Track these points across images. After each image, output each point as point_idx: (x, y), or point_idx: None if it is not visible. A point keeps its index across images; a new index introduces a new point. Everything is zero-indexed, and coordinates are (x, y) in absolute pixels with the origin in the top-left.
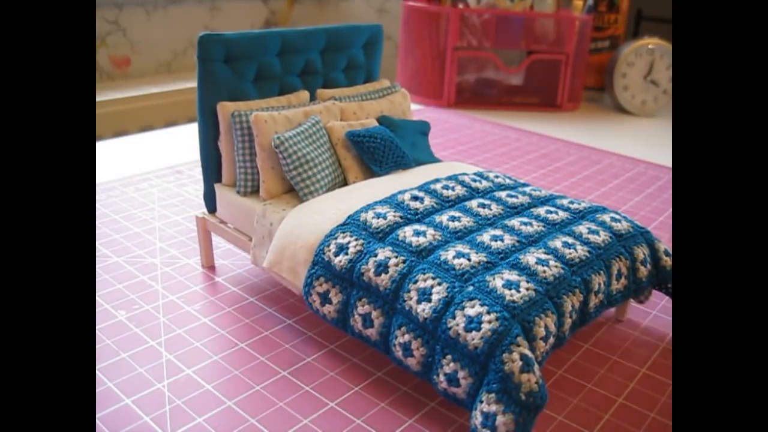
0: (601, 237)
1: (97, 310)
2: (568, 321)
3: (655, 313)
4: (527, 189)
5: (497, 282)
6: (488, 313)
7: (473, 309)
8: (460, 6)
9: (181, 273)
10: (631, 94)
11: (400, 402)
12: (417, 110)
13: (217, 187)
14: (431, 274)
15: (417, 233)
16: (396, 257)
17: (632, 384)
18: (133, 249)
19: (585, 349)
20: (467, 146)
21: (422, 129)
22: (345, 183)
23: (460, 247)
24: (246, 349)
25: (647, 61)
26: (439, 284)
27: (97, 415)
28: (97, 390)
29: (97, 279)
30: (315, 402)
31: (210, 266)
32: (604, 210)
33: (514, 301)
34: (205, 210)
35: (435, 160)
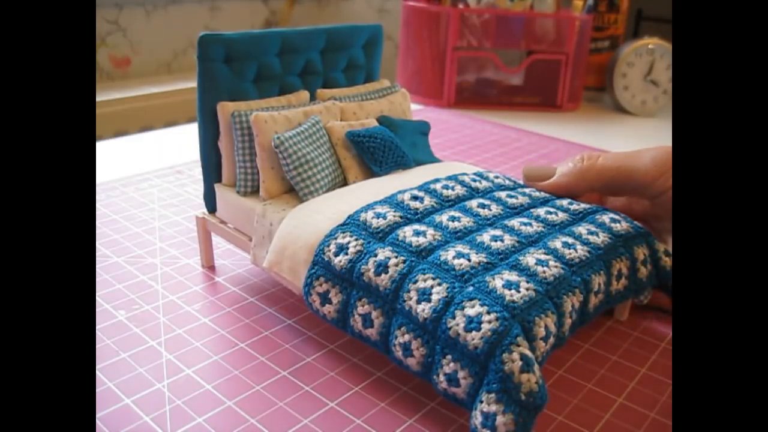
0: (601, 238)
1: (97, 310)
2: (568, 321)
3: (656, 313)
4: (527, 189)
5: (497, 282)
6: (488, 313)
7: (473, 309)
8: (460, 6)
9: (181, 273)
10: (631, 94)
11: (400, 402)
12: (417, 110)
13: (217, 187)
14: (431, 275)
15: (417, 233)
16: (396, 257)
17: (632, 384)
18: (133, 249)
19: (585, 349)
20: (467, 146)
21: (422, 129)
22: (345, 183)
23: (460, 248)
24: (246, 349)
25: (647, 61)
26: (439, 284)
27: (97, 415)
28: (97, 390)
29: (97, 279)
30: (315, 402)
31: (210, 266)
32: (603, 210)
33: (514, 301)
34: (205, 210)
35: (435, 160)
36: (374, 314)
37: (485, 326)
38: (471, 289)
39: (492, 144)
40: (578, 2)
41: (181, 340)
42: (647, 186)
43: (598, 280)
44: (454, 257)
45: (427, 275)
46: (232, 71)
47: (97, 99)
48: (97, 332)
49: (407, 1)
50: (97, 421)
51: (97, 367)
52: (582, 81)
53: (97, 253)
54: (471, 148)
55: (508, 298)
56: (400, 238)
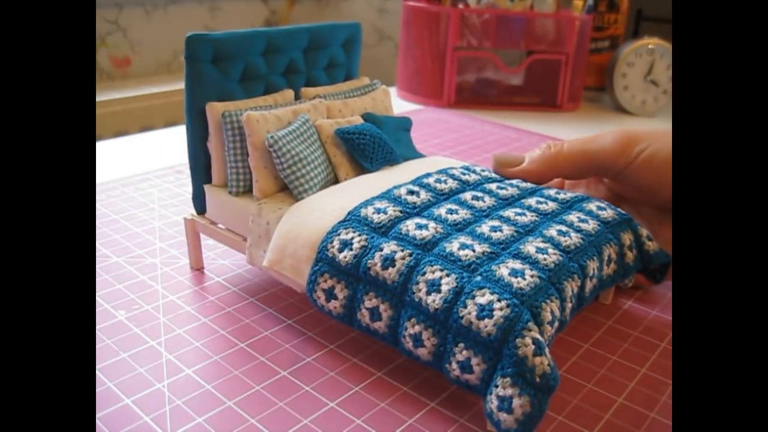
0: (591, 225)
1: (97, 310)
2: (569, 305)
3: (655, 313)
4: (514, 181)
5: (503, 271)
6: (499, 300)
7: (484, 297)
8: (460, 6)
9: (181, 273)
10: (631, 94)
11: (400, 402)
12: (417, 110)
13: (207, 188)
14: (439, 266)
15: (419, 227)
16: (402, 251)
17: (632, 384)
18: (133, 249)
19: (585, 349)
20: (467, 146)
21: (405, 125)
22: (336, 180)
23: (463, 239)
24: (246, 349)
25: (647, 61)
26: (448, 275)
27: (97, 415)
28: (97, 390)
29: (97, 279)
30: (315, 402)
31: (199, 268)
32: (588, 199)
33: (521, 288)
34: (193, 212)
35: (419, 155)
36: (382, 307)
37: (497, 313)
38: (479, 278)
39: (492, 144)
40: (578, 2)
41: (181, 340)
42: (611, 164)
43: (592, 266)
44: (459, 248)
45: (435, 267)
46: (219, 71)
47: (97, 99)
48: (97, 332)
49: (407, 1)
50: (97, 421)
51: (97, 367)
52: (582, 81)
53: (97, 253)
54: (471, 148)
55: (515, 285)
56: (403, 232)
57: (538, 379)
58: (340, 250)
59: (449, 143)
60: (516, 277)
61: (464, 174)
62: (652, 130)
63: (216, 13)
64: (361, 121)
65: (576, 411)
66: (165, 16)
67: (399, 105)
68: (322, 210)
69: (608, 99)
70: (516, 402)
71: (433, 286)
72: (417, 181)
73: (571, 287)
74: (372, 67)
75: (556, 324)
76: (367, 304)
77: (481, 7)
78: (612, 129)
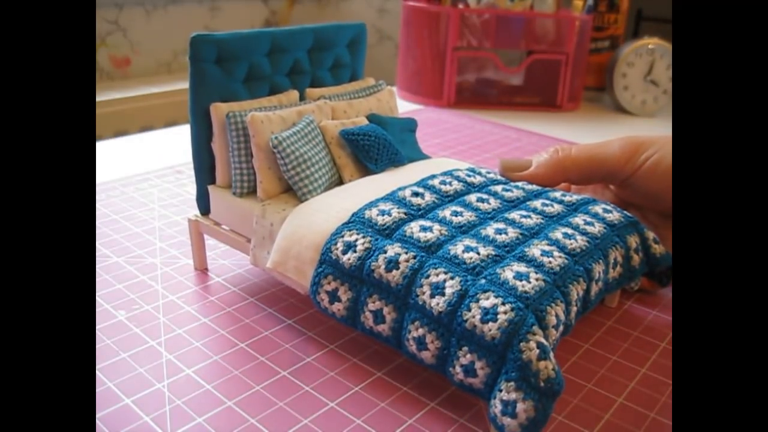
0: (597, 227)
1: (97, 310)
2: (574, 309)
3: (655, 313)
4: (519, 183)
5: (508, 274)
6: (503, 304)
7: (488, 301)
8: (460, 6)
9: (181, 273)
10: (631, 94)
11: (400, 402)
12: (417, 110)
13: (211, 189)
14: (443, 269)
15: (423, 229)
16: (406, 253)
17: (632, 384)
18: (133, 249)
19: (585, 349)
20: (467, 146)
21: (410, 126)
22: (341, 181)
23: (468, 241)
24: (246, 349)
25: (647, 61)
26: (452, 278)
27: (97, 415)
28: (97, 390)
29: (97, 279)
30: (315, 402)
31: (203, 269)
32: (594, 202)
33: (526, 292)
34: (197, 213)
35: (424, 157)
36: (386, 310)
37: (501, 317)
38: (483, 281)
39: (492, 144)
40: (578, 2)
41: (181, 340)
42: (618, 170)
43: (598, 269)
44: (463, 251)
45: (438, 269)
46: (224, 72)
47: (97, 99)
48: (97, 332)
49: (407, 1)
50: (97, 421)
51: (97, 367)
52: (582, 81)
53: (97, 253)
54: (471, 148)
55: (520, 288)
56: (407, 234)
57: (542, 384)
58: (344, 252)
59: (449, 143)
60: (521, 280)
61: (469, 176)
62: (659, 137)
63: (216, 13)
64: (366, 122)
65: (576, 411)
66: (165, 16)
67: (399, 105)
68: (327, 211)
69: (608, 99)
70: (520, 406)
71: (437, 289)
72: (422, 183)
73: (576, 291)
74: (372, 67)
75: (561, 328)
76: (371, 306)
77: (481, 7)
78: (616, 132)
